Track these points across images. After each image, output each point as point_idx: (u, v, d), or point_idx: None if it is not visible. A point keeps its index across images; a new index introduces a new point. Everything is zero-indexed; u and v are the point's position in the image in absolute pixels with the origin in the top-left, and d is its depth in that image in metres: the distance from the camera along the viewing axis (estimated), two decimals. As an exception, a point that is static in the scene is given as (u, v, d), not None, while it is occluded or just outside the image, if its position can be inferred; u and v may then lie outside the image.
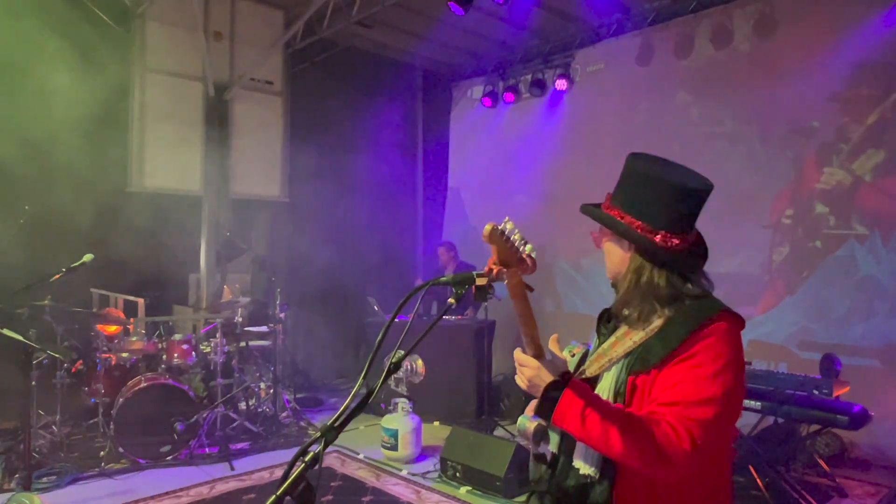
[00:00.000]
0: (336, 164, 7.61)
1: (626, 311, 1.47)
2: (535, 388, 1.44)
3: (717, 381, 1.32)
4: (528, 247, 1.40)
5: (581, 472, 1.44)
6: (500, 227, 1.36)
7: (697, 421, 1.29)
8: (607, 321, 1.59)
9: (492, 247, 1.38)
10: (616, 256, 1.52)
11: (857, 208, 5.23)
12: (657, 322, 1.42)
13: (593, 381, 1.51)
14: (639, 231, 1.44)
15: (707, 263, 1.51)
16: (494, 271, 1.40)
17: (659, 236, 1.42)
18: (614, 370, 1.46)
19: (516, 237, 1.38)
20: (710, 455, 1.36)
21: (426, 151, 9.13)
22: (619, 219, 1.48)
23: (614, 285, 1.55)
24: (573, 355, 1.67)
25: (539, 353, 1.46)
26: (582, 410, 1.34)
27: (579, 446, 1.45)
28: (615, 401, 1.42)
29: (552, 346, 1.60)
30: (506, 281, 1.41)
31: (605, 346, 1.51)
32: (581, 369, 1.57)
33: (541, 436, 1.50)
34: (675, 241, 1.43)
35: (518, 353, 1.49)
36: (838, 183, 5.33)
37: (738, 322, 1.42)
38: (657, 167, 1.49)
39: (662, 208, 1.43)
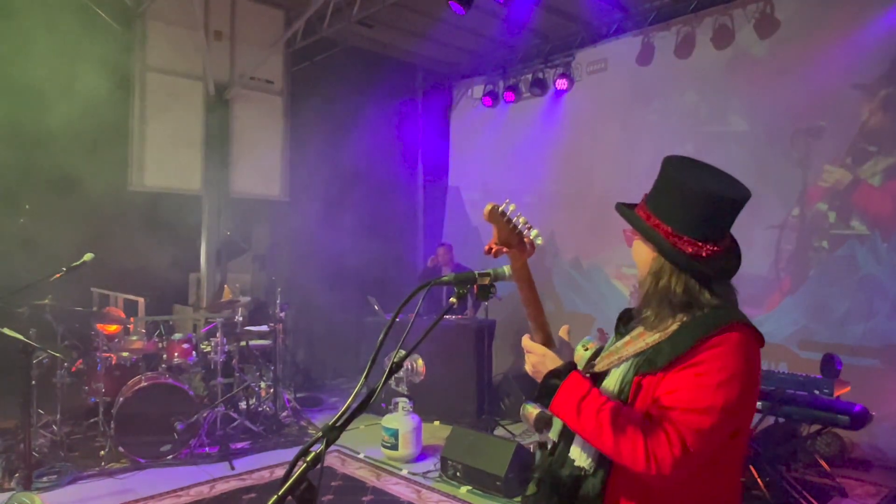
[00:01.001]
0: (336, 164, 7.61)
1: (645, 312, 1.46)
2: (539, 375, 1.45)
3: (720, 392, 1.30)
4: (534, 232, 1.40)
5: (576, 463, 1.44)
6: (500, 207, 1.36)
7: (692, 429, 1.27)
8: (627, 321, 1.59)
9: (493, 227, 1.38)
10: (642, 256, 1.50)
11: (863, 209, 5.21)
12: (672, 326, 1.41)
13: (601, 376, 1.52)
14: (663, 234, 1.42)
15: None
16: (494, 250, 1.40)
17: (684, 242, 1.40)
18: (622, 368, 1.46)
19: (521, 220, 1.38)
20: (712, 466, 1.34)
21: (426, 151, 9.12)
22: (645, 220, 1.46)
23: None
24: (586, 349, 1.68)
25: (547, 341, 1.46)
26: (579, 401, 1.34)
27: (578, 437, 1.45)
28: (618, 398, 1.42)
29: (562, 334, 1.60)
30: (504, 270, 1.41)
31: (618, 344, 1.51)
32: (592, 364, 1.58)
33: (543, 423, 1.51)
34: (701, 248, 1.40)
35: (525, 339, 1.49)
36: (841, 182, 5.32)
37: (754, 335, 1.39)
38: (689, 172, 1.45)
39: (690, 214, 1.40)
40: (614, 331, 1.62)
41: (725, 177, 1.46)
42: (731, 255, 1.47)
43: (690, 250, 1.40)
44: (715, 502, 1.42)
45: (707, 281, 1.41)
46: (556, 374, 1.41)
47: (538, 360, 1.46)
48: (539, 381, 1.44)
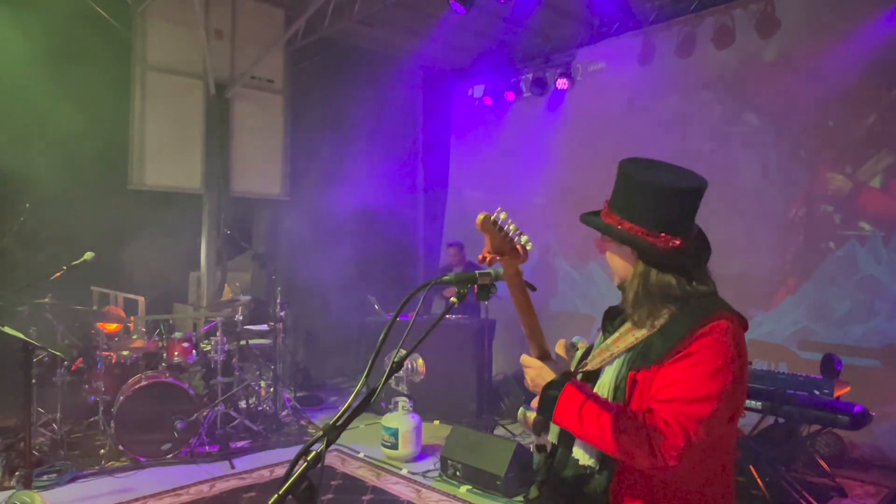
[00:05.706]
0: (336, 163, 7.61)
1: (638, 312, 1.47)
2: (538, 388, 1.49)
3: (716, 380, 1.33)
4: (525, 238, 1.42)
5: (580, 462, 1.47)
6: (492, 216, 1.37)
7: (693, 418, 1.31)
8: (612, 318, 1.61)
9: (486, 236, 1.39)
10: (618, 263, 1.53)
11: (867, 210, 5.18)
12: (660, 320, 1.43)
13: (595, 374, 1.54)
14: (639, 235, 1.44)
15: (720, 263, 1.51)
16: (488, 259, 1.41)
17: (658, 239, 1.43)
18: (615, 364, 1.48)
19: (511, 227, 1.40)
20: (709, 452, 1.37)
21: (427, 150, 9.12)
22: (617, 226, 1.48)
23: (621, 288, 1.56)
24: (577, 349, 1.69)
25: (543, 355, 1.49)
26: (578, 409, 1.37)
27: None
28: (615, 395, 1.45)
29: (559, 350, 1.63)
30: (502, 271, 1.43)
31: (608, 341, 1.53)
32: (584, 363, 1.60)
33: (541, 426, 1.53)
34: (676, 242, 1.43)
35: (524, 356, 1.53)
36: (848, 182, 5.30)
37: (740, 321, 1.43)
38: (648, 171, 1.50)
39: (657, 211, 1.44)
40: (601, 329, 1.64)
41: (680, 170, 1.50)
42: (702, 243, 1.51)
43: (668, 246, 1.43)
44: (713, 485, 1.45)
45: (689, 271, 1.45)
46: (553, 386, 1.45)
47: (536, 373, 1.50)
48: (538, 393, 1.48)
